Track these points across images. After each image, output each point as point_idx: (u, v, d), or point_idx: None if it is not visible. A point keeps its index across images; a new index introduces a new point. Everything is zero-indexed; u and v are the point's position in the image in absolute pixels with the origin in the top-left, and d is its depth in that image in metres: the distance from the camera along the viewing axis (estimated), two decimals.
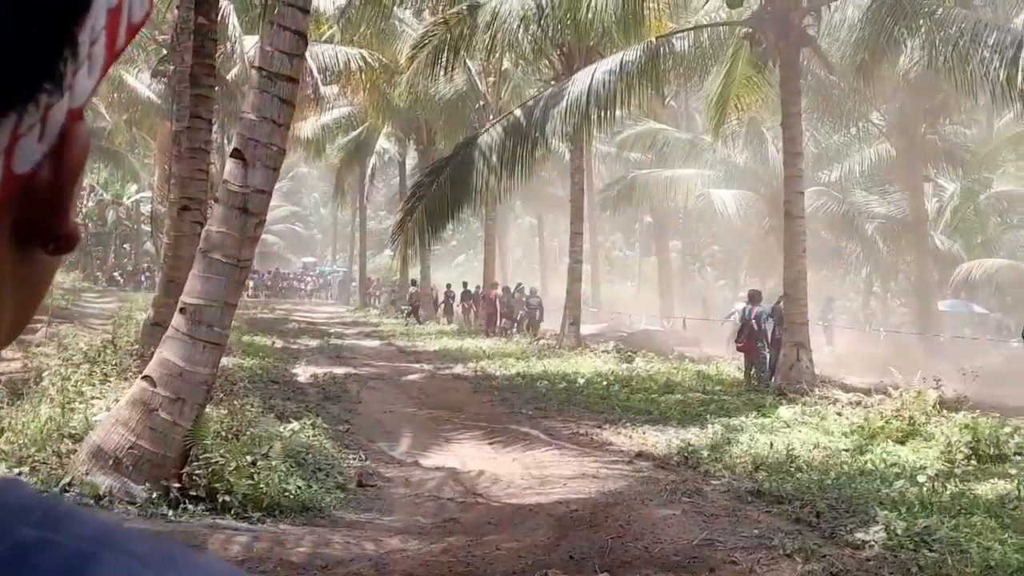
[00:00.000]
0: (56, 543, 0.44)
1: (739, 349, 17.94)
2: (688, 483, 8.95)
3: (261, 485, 7.54)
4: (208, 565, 0.48)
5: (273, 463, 7.84)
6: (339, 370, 17.82)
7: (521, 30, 18.87)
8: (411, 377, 17.77)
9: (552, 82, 20.96)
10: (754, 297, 18.08)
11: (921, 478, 8.95)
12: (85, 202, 53.89)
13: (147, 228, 50.65)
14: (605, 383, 16.37)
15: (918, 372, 17.33)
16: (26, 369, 12.38)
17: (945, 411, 12.72)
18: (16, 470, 7.34)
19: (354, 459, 9.89)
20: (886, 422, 11.93)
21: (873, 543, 6.69)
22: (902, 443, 11.05)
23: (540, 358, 20.35)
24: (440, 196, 18.77)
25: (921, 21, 15.73)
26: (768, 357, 17.41)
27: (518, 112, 19.20)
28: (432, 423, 12.84)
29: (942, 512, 7.55)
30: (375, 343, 25.79)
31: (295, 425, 9.99)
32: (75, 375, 10.19)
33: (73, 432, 8.00)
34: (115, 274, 52.64)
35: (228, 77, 24.10)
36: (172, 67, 20.07)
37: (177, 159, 12.57)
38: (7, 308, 0.50)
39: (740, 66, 18.34)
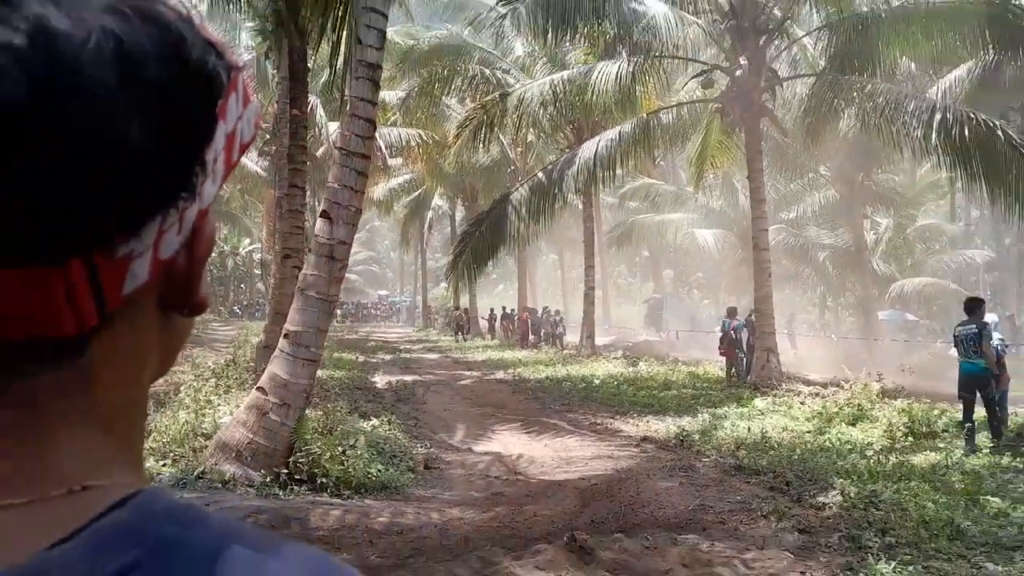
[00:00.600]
0: (192, 538, 0.46)
1: (721, 354, 17.83)
2: (684, 461, 8.90)
3: (350, 469, 7.57)
4: (306, 551, 0.48)
5: (359, 452, 7.88)
6: (408, 377, 17.88)
7: (541, 111, 18.94)
8: (463, 382, 17.78)
9: (567, 150, 21.00)
10: (731, 313, 18.00)
11: (868, 452, 8.87)
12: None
13: (258, 272, 51.37)
14: (616, 383, 16.32)
15: (864, 369, 17.09)
16: (167, 384, 12.54)
17: (886, 399, 12.59)
18: (161, 463, 7.41)
19: (421, 447, 9.91)
20: (840, 409, 11.83)
21: (831, 505, 6.61)
22: (853, 425, 10.93)
23: (564, 364, 20.31)
24: (482, 241, 18.84)
25: (855, 94, 15.65)
26: (745, 360, 17.30)
27: (540, 174, 19.26)
28: (481, 417, 12.84)
29: (886, 479, 7.45)
30: (435, 356, 25.85)
31: (375, 422, 10.04)
32: (205, 387, 10.30)
33: (204, 432, 8.08)
34: (235, 308, 53.20)
35: (317, 154, 24.38)
36: (274, 148, 20.40)
37: (279, 219, 12.70)
38: (156, 357, 0.53)
39: (713, 133, 18.34)
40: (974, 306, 9.78)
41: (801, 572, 5.01)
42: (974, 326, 9.57)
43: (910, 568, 4.81)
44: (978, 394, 9.58)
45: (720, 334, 17.90)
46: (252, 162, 30.69)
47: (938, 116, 14.14)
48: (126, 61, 0.44)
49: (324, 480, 7.35)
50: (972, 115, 13.92)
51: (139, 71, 0.44)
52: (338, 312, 44.26)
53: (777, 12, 17.00)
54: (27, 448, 0.47)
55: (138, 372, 0.52)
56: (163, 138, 0.45)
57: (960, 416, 10.00)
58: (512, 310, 33.76)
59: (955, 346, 9.75)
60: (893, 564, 4.79)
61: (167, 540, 0.45)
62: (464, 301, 35.15)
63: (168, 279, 0.50)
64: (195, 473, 7.05)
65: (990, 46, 15.55)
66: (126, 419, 0.51)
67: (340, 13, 9.00)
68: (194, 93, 0.47)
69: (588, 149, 18.40)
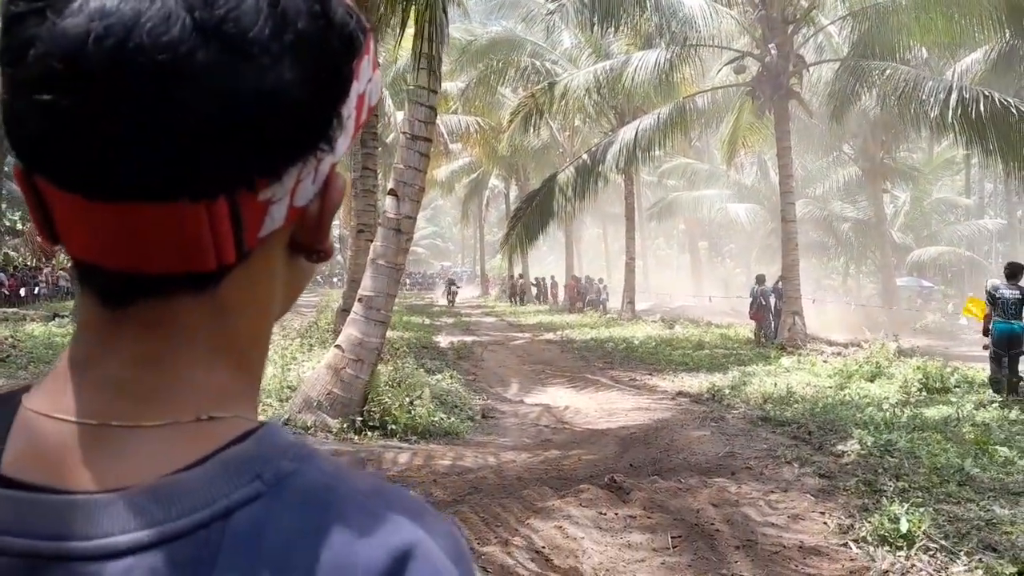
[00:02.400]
0: (306, 472, 0.45)
1: (751, 318, 17.61)
2: (715, 412, 8.83)
3: (416, 418, 7.68)
4: (405, 494, 0.48)
5: (424, 402, 7.98)
6: (468, 338, 18.02)
7: (586, 97, 18.73)
8: (517, 342, 17.86)
9: (610, 133, 20.71)
10: (760, 280, 17.72)
11: (885, 406, 8.68)
12: None
13: (337, 245, 52.04)
14: (653, 343, 16.23)
15: (882, 331, 16.75)
16: None
17: (902, 358, 12.29)
18: None
19: (479, 399, 9.99)
20: (859, 366, 11.61)
21: (850, 453, 6.50)
22: (871, 381, 10.70)
23: (607, 327, 20.24)
24: (533, 216, 18.80)
25: (876, 77, 15.13)
26: (772, 323, 17.05)
27: (585, 156, 19.07)
28: (532, 374, 12.90)
29: (900, 430, 7.29)
30: (492, 319, 25.99)
31: (438, 376, 10.15)
32: (291, 345, 10.51)
33: (290, 384, 8.27)
34: (317, 277, 54.08)
35: (387, 141, 24.48)
36: None
37: (354, 197, 12.81)
38: (280, 297, 0.52)
39: (745, 115, 17.95)
40: (1017, 270, 9.38)
41: (821, 512, 4.95)
42: (1019, 291, 9.20)
43: (921, 510, 4.71)
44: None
45: (750, 299, 17.67)
46: None
47: (954, 96, 13.61)
48: (281, 13, 0.43)
49: (394, 427, 7.47)
50: (987, 94, 13.37)
51: (291, 24, 0.43)
52: (407, 280, 44.77)
53: (804, 2, 16.49)
54: (164, 372, 0.46)
55: (265, 311, 0.51)
56: (308, 89, 0.44)
57: (983, 374, 9.74)
58: (552, 278, 34.33)
59: (991, 305, 9.31)
60: (906, 506, 4.70)
61: (285, 474, 0.45)
62: (517, 270, 35.22)
63: (300, 226, 0.49)
64: (281, 421, 7.21)
65: (1006, 30, 14.84)
66: (252, 355, 0.50)
67: (415, 9, 8.94)
68: (337, 49, 0.46)
69: (629, 132, 18.17)
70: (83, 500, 0.42)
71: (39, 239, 0.48)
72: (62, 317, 17.59)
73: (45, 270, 26.61)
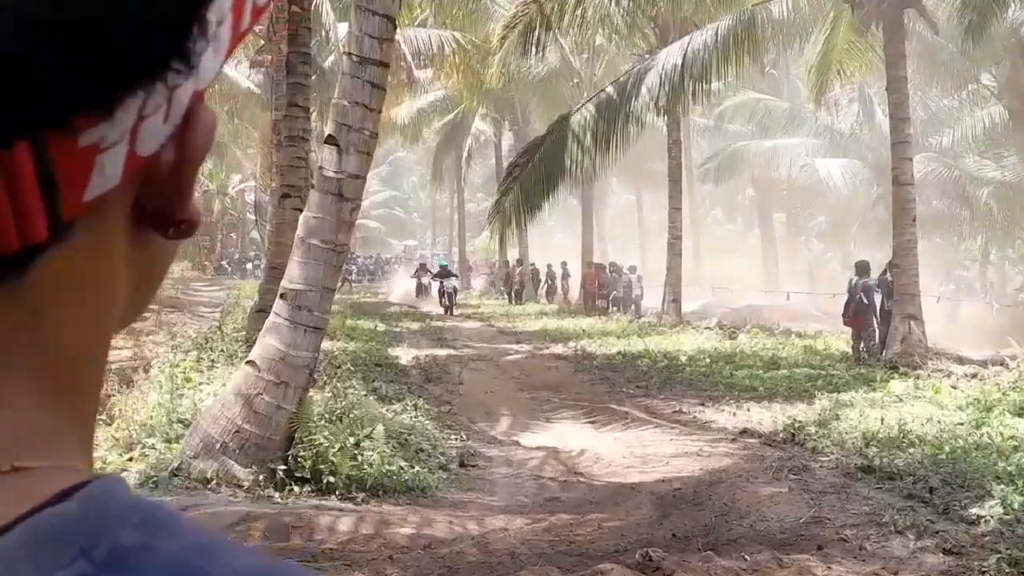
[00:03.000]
0: (158, 550, 0.42)
1: (847, 323, 17.64)
2: (795, 460, 8.84)
3: (364, 466, 7.67)
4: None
5: (376, 444, 7.97)
6: (440, 352, 18.02)
7: (613, 3, 18.73)
8: (511, 357, 17.87)
9: (646, 56, 20.73)
10: (861, 269, 17.73)
11: None
12: None
13: (251, 217, 52.02)
14: (708, 360, 16.24)
15: None
16: (136, 358, 12.82)
17: None
18: (127, 456, 7.60)
19: (456, 439, 9.99)
20: (1003, 394, 11.63)
21: (989, 518, 6.51)
22: (1020, 416, 10.71)
23: (641, 336, 20.25)
24: (535, 176, 18.80)
25: None
26: (877, 330, 17.10)
27: (611, 89, 19.08)
28: (532, 403, 12.90)
29: None
30: (476, 324, 26.02)
31: (397, 407, 10.14)
32: (184, 362, 10.48)
33: (182, 418, 8.25)
34: (223, 263, 54.13)
35: (324, 65, 24.46)
36: (269, 57, 20.48)
37: (277, 148, 12.82)
38: (125, 293, 0.49)
39: (842, 31, 17.96)
40: None
41: None
42: None
43: None
44: None
45: (847, 297, 17.72)
46: (242, 75, 30.93)
47: None
48: None
49: (332, 479, 7.45)
50: None
51: None
52: (353, 268, 44.78)
53: None
54: None
55: (100, 312, 0.48)
56: None
57: None
58: (564, 266, 34.08)
59: None
60: None
61: (126, 551, 0.42)
62: (512, 255, 35.26)
63: (148, 184, 0.46)
64: (169, 469, 7.18)
65: None
66: (79, 377, 0.48)
67: None
68: None
69: (674, 55, 18.18)
70: None
71: None
72: None
73: None
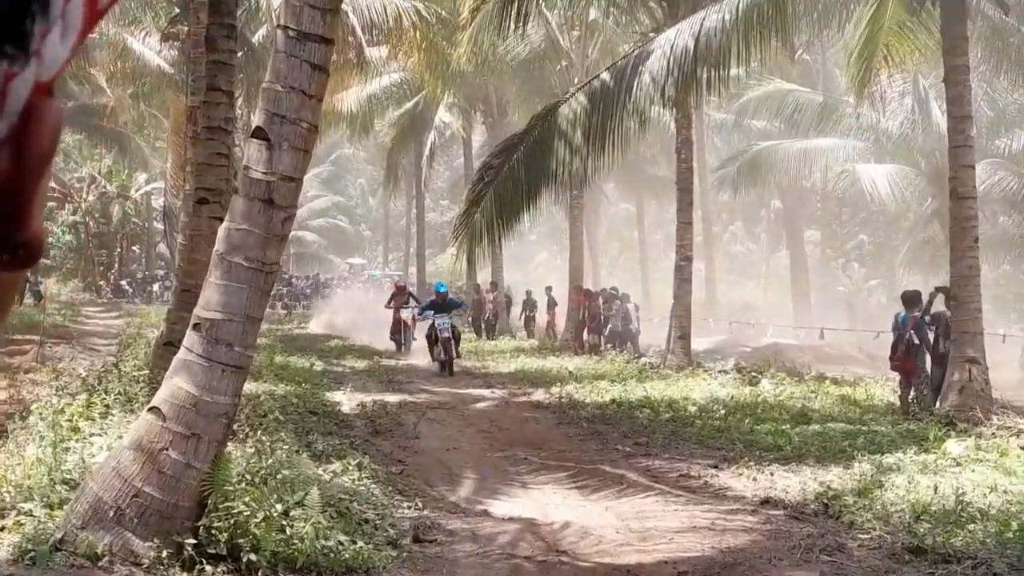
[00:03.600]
0: None
1: (894, 368, 17.72)
2: (828, 537, 8.85)
3: (295, 540, 7.60)
4: None
5: (310, 513, 7.91)
6: (392, 397, 17.97)
7: None
8: (480, 406, 17.84)
9: (652, 35, 20.86)
10: (911, 301, 17.83)
11: None
12: (85, 195, 55.30)
13: (159, 226, 51.79)
14: (723, 411, 16.28)
15: None
16: (12, 400, 12.70)
17: None
18: None
19: (409, 508, 9.94)
20: None
21: None
22: None
23: (640, 380, 20.30)
24: (513, 180, 18.85)
25: None
26: (931, 375, 17.17)
27: (607, 75, 19.18)
28: (505, 463, 12.87)
29: None
30: (430, 363, 25.96)
31: (337, 466, 10.08)
32: (70, 407, 10.37)
33: (67, 477, 8.16)
34: (122, 283, 53.85)
35: (254, 40, 24.50)
36: (186, 28, 20.49)
37: (193, 141, 12.80)
38: None
39: (890, 8, 18.13)
40: None
41: None
42: None
43: None
44: None
45: (893, 335, 17.81)
46: (151, 51, 30.87)
47: None
48: None
49: (254, 556, 7.38)
50: None
51: None
52: (284, 292, 44.64)
53: None
54: None
55: None
56: None
57: None
58: (549, 292, 34.06)
59: None
60: None
61: None
62: (482, 277, 35.26)
63: None
64: (50, 542, 7.10)
65: None
66: None
67: None
68: None
69: (685, 34, 18.30)
70: None
71: None
72: None
73: None
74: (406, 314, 28.65)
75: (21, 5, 0.43)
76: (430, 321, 23.57)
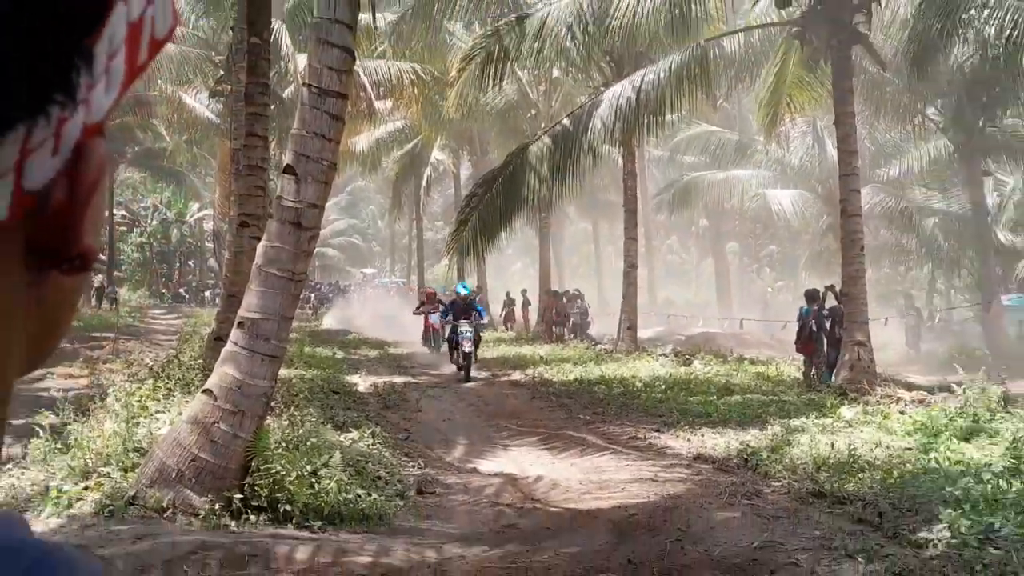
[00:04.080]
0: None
1: (798, 350, 17.82)
2: (748, 485, 8.87)
3: (322, 494, 7.59)
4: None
5: (333, 472, 7.90)
6: (398, 379, 17.94)
7: (570, 38, 18.85)
8: (469, 385, 17.80)
9: (602, 88, 20.87)
10: (812, 297, 17.93)
11: (986, 475, 8.76)
12: (149, 221, 55.09)
13: (210, 245, 51.56)
14: (663, 387, 16.28)
15: (982, 369, 17.04)
16: (92, 386, 12.62)
17: (1011, 407, 12.49)
18: (83, 484, 7.46)
19: (414, 467, 9.94)
20: (950, 419, 11.75)
21: (937, 542, 6.56)
22: (966, 440, 10.83)
23: (597, 363, 20.28)
24: (493, 206, 18.83)
25: (974, 12, 15.44)
26: (828, 356, 17.26)
27: (567, 120, 19.19)
28: (490, 430, 12.87)
29: (1008, 509, 7.37)
30: (433, 352, 25.89)
31: (354, 434, 10.05)
32: (140, 390, 10.33)
33: (138, 446, 8.12)
34: (180, 291, 53.67)
35: (284, 95, 24.41)
36: (229, 87, 20.41)
37: (236, 177, 12.74)
38: (20, 331, 0.48)
39: (791, 66, 18.22)
40: None
41: None
42: None
43: None
44: None
45: (798, 324, 17.88)
46: (202, 104, 30.79)
47: None
48: None
49: (289, 508, 7.37)
50: None
51: None
52: (311, 296, 44.44)
53: None
54: None
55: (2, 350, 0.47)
56: (24, 14, 0.41)
57: None
58: (524, 294, 34.02)
59: None
60: None
61: None
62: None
63: (40, 220, 0.46)
64: (125, 498, 7.07)
65: None
66: None
67: None
68: None
69: (629, 88, 18.32)
70: None
71: None
72: None
73: None
74: (435, 319, 24.43)
75: (68, 63, 0.43)
76: (449, 328, 19.69)
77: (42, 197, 0.45)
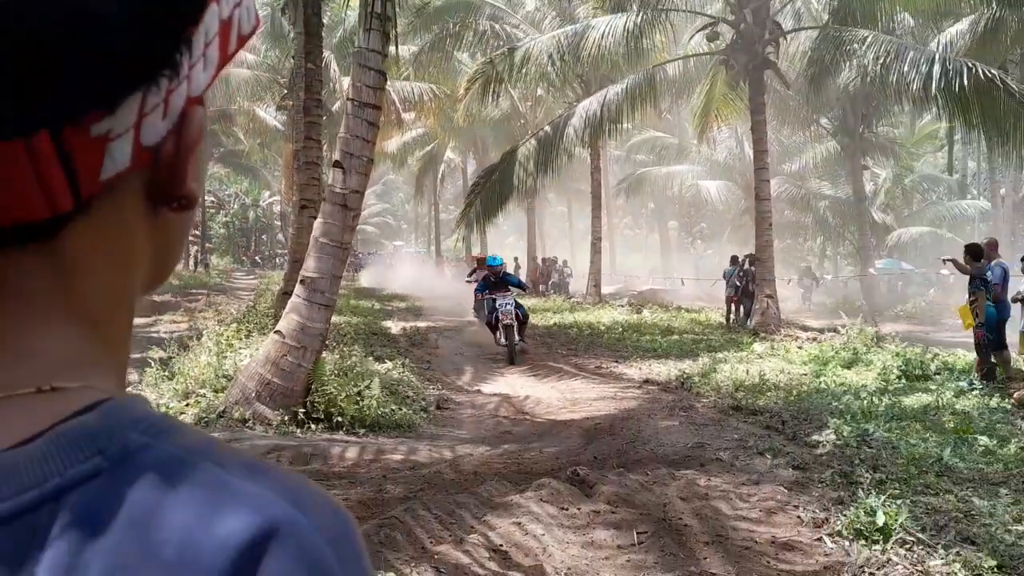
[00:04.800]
0: (158, 447, 0.42)
1: (730, 300, 17.91)
2: (684, 401, 8.92)
3: (364, 409, 7.63)
4: (282, 477, 0.44)
5: (373, 392, 7.92)
6: (421, 324, 17.93)
7: (549, 65, 18.65)
8: (474, 328, 17.78)
9: (575, 103, 20.69)
10: (733, 261, 18.00)
11: (862, 394, 8.84)
12: (232, 205, 54.82)
13: (278, 223, 51.41)
14: (620, 329, 16.34)
15: (860, 315, 17.09)
16: (191, 329, 12.61)
17: (881, 344, 12.57)
18: (184, 402, 7.48)
19: (433, 389, 9.97)
20: (835, 353, 11.83)
21: (825, 443, 6.62)
22: (848, 368, 10.92)
23: (571, 312, 20.33)
24: (492, 192, 18.74)
25: (856, 46, 15.34)
26: (744, 306, 17.33)
27: (548, 128, 19.03)
28: (491, 362, 12.90)
29: (878, 419, 7.45)
30: (448, 303, 25.85)
31: (389, 364, 10.07)
32: (227, 332, 10.33)
33: (226, 373, 8.14)
34: (256, 258, 53.58)
35: (332, 109, 24.15)
36: (290, 102, 20.18)
37: (296, 171, 12.59)
38: (146, 256, 0.49)
39: (718, 86, 18.08)
40: (977, 250, 9.76)
41: (795, 505, 5.04)
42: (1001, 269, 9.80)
43: (898, 502, 4.82)
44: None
45: (726, 281, 17.94)
46: (271, 116, 30.53)
47: (938, 67, 13.85)
48: None
49: (340, 419, 7.41)
50: (972, 65, 13.63)
51: None
52: (355, 260, 44.27)
53: None
54: None
55: (124, 270, 0.48)
56: (133, 5, 0.42)
57: (964, 360, 10.19)
58: (516, 260, 33.91)
59: (983, 288, 9.64)
60: (883, 498, 4.80)
61: (133, 449, 0.41)
62: (475, 251, 35.13)
63: (155, 169, 0.46)
64: (216, 413, 7.10)
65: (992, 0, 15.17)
66: (109, 319, 0.47)
67: None
68: None
69: (595, 102, 18.19)
70: None
71: None
72: None
73: None
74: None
75: (175, 46, 0.44)
76: (489, 303, 13.68)
77: (155, 151, 0.45)
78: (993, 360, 9.55)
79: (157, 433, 0.43)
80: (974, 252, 9.74)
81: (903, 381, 9.89)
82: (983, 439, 6.61)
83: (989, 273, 9.65)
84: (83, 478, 0.40)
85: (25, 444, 0.41)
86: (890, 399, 8.51)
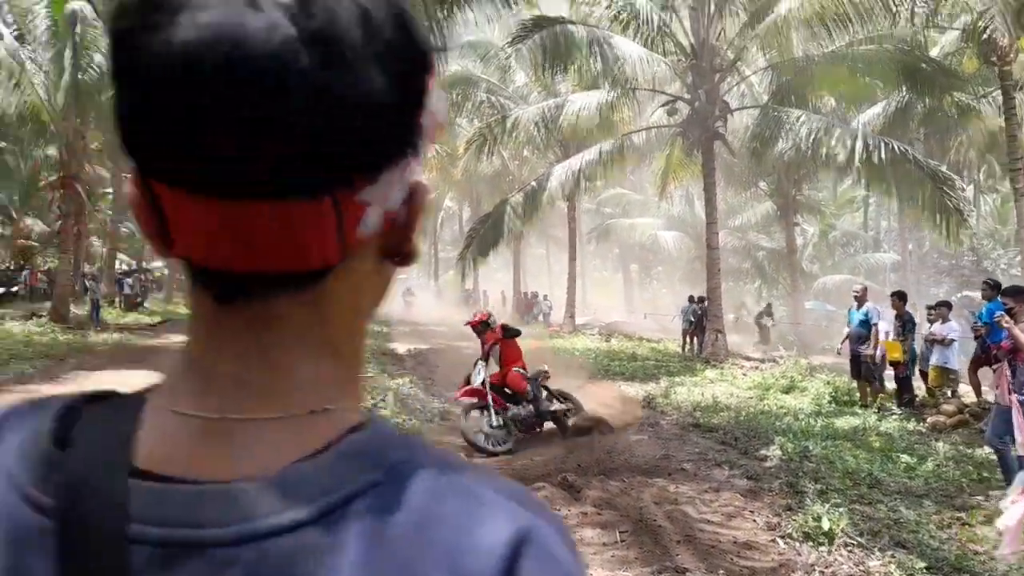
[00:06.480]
0: (417, 461, 0.43)
1: (686, 334, 17.91)
2: (651, 418, 8.89)
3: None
4: (513, 486, 0.45)
5: (387, 405, 7.84)
6: (423, 345, 17.82)
7: (535, 131, 18.86)
8: (468, 351, 17.68)
9: (555, 163, 20.88)
10: (691, 299, 18.03)
11: (800, 416, 8.86)
12: None
13: None
14: (593, 355, 16.29)
15: (794, 348, 17.18)
16: None
17: (813, 373, 12.61)
18: None
19: (437, 402, 9.87)
20: (775, 380, 11.85)
21: (773, 457, 6.62)
22: (787, 393, 10.93)
23: (551, 339, 20.28)
24: (485, 237, 18.81)
25: (790, 122, 15.65)
26: (698, 338, 17.35)
27: (533, 183, 19.20)
28: None
29: (815, 437, 7.44)
30: (444, 329, 25.73)
31: (400, 380, 10.00)
32: None
33: None
34: None
35: None
36: None
37: None
38: (372, 295, 0.50)
39: (676, 152, 18.33)
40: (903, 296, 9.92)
41: (751, 511, 5.01)
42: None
43: (840, 510, 4.80)
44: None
45: (681, 318, 17.99)
46: None
47: (859, 142, 14.14)
48: (370, 24, 0.41)
49: None
50: (887, 141, 13.92)
51: (379, 33, 0.42)
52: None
53: (730, 54, 16.93)
54: (275, 367, 0.44)
55: (360, 309, 0.49)
56: (396, 94, 0.43)
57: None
58: (503, 292, 34.11)
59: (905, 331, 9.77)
60: (826, 506, 4.78)
61: (398, 463, 0.43)
62: (469, 284, 35.12)
63: (390, 230, 0.47)
64: None
65: (903, 86, 15.50)
66: (351, 349, 0.48)
67: None
68: (417, 58, 0.45)
69: (573, 163, 18.37)
70: (214, 489, 0.41)
71: (151, 246, 0.45)
72: (39, 317, 16.84)
73: (24, 272, 25.38)
74: (476, 377, 8.39)
75: (417, 130, 0.45)
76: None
77: (392, 215, 0.46)
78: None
79: (413, 449, 0.44)
80: (902, 296, 9.87)
81: (833, 405, 9.92)
82: (905, 457, 6.63)
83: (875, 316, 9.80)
84: (366, 488, 0.41)
85: (311, 458, 0.42)
86: (824, 421, 8.52)
